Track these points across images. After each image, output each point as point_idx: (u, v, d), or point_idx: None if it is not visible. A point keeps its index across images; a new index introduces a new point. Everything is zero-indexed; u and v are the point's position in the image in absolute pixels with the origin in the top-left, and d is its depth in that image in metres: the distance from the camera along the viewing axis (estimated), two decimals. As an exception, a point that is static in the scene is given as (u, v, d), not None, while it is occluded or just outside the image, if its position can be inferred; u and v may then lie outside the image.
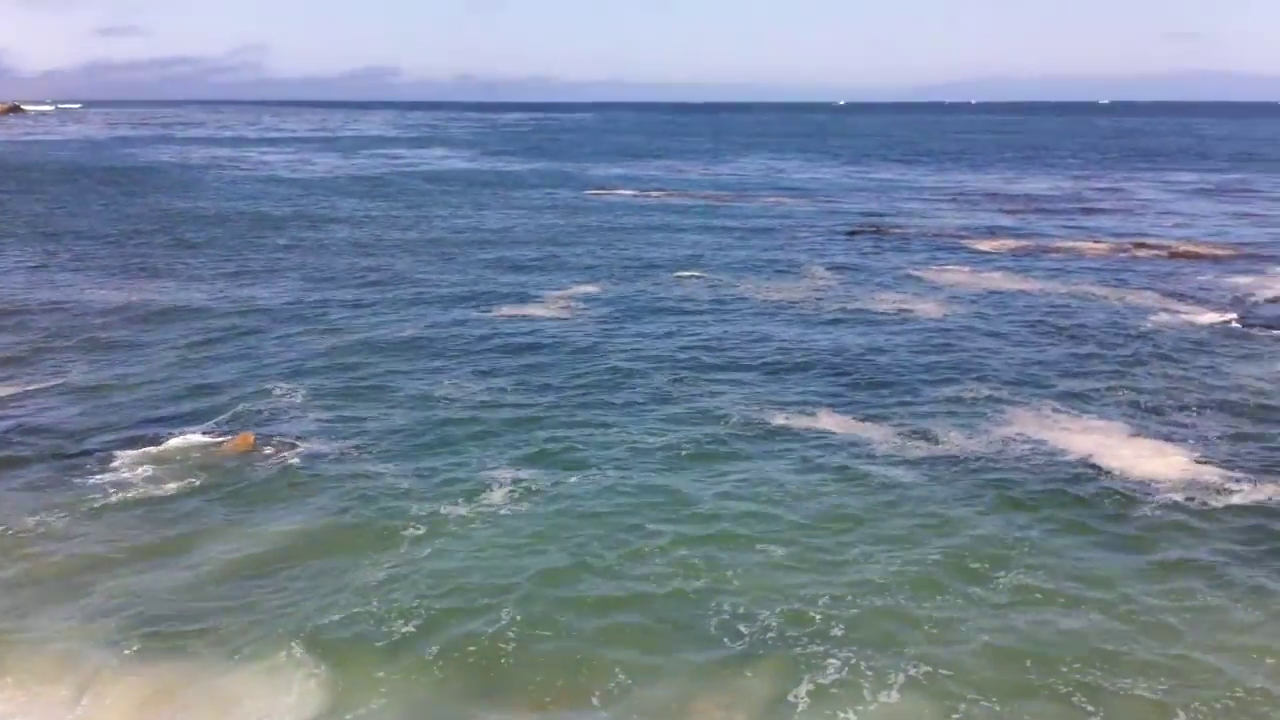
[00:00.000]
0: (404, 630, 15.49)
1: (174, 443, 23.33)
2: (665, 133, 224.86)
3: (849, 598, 16.58)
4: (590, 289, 42.41)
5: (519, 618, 15.88)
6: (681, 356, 31.52)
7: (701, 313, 37.81)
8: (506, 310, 38.06)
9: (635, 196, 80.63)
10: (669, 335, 34.29)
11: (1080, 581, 17.18)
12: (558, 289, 42.27)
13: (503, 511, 19.68)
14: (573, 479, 21.40)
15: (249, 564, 17.66)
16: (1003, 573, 17.43)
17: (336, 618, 15.70)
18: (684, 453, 23.24)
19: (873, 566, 17.69)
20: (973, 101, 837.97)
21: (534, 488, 20.85)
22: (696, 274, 45.75)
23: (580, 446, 23.50)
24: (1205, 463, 22.23)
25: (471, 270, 46.94)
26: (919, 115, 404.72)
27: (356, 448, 23.38)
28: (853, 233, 58.63)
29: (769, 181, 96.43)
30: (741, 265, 48.35)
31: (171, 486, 20.83)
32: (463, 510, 19.69)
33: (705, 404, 26.81)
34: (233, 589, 16.79)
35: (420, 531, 18.80)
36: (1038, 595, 16.71)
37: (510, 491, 20.60)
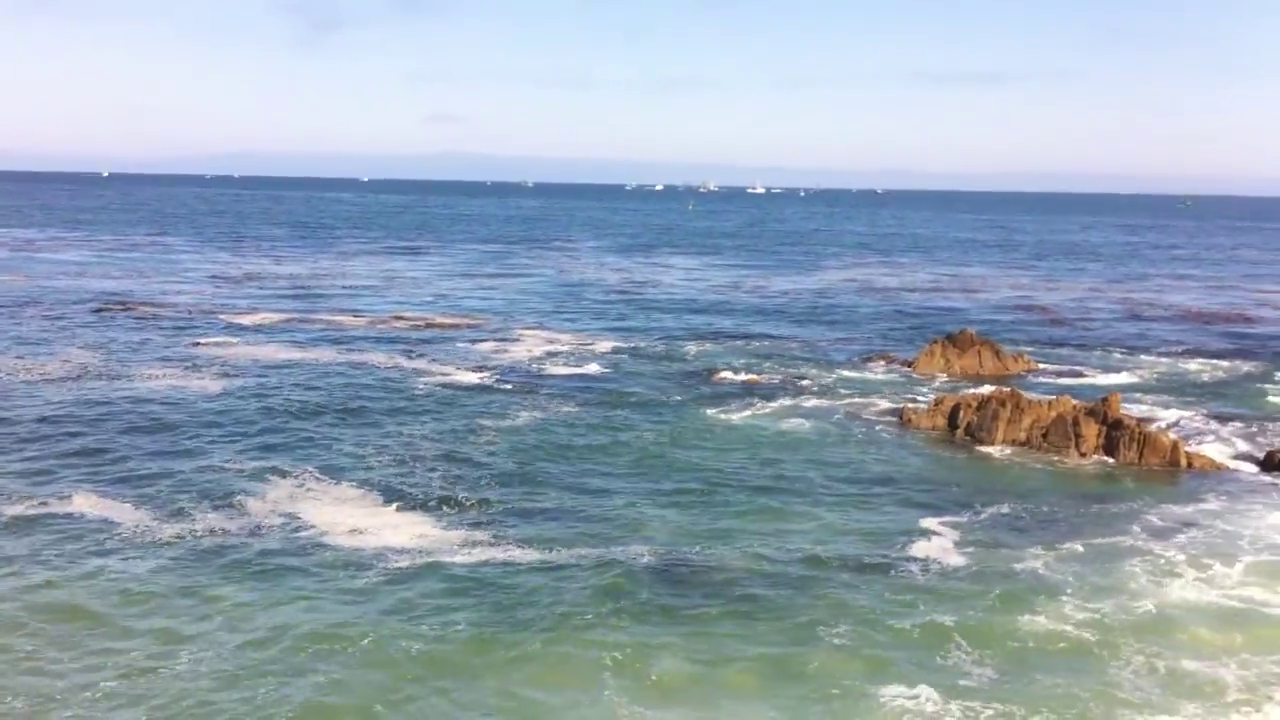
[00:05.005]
0: None
1: None
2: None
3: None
4: None
5: None
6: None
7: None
8: None
9: None
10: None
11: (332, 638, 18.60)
12: None
13: None
14: None
15: None
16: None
17: None
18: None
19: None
20: (236, 175, 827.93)
21: None
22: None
23: None
24: (448, 528, 24.01)
25: None
26: (182, 188, 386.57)
27: None
28: (99, 310, 55.78)
29: None
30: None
31: None
32: None
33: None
34: None
35: None
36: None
37: None
